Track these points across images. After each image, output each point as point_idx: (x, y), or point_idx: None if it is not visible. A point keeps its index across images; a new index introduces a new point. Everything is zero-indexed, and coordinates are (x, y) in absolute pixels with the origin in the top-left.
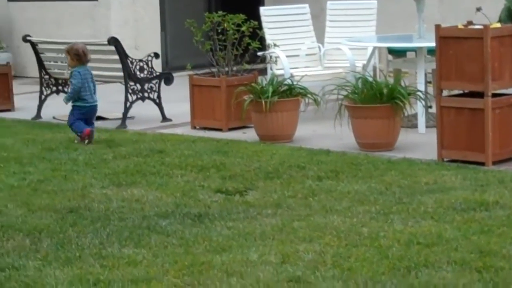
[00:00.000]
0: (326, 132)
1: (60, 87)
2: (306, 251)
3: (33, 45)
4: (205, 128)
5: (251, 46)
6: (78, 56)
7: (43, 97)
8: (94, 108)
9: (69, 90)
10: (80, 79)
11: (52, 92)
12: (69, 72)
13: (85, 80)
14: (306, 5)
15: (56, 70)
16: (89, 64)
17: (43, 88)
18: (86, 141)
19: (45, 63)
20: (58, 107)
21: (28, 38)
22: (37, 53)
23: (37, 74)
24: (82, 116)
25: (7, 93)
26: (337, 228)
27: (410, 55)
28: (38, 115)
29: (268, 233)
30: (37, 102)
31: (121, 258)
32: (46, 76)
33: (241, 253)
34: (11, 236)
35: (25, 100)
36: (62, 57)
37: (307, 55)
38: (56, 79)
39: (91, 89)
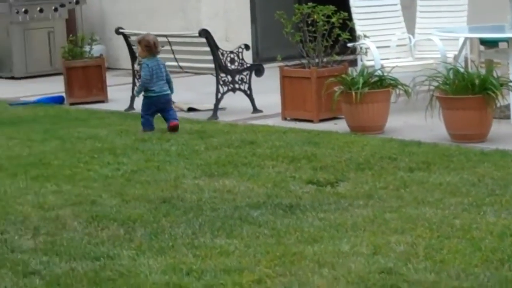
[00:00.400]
0: (417, 123)
1: None
2: (398, 242)
3: (125, 37)
4: (295, 119)
5: (341, 37)
6: (148, 47)
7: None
8: (163, 97)
9: (139, 82)
10: (148, 71)
11: None
12: (139, 63)
13: (154, 72)
14: None
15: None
16: (181, 56)
17: (136, 80)
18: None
19: (137, 55)
20: None
21: (121, 30)
22: (129, 45)
23: (129, 65)
24: (154, 107)
25: (101, 85)
26: (429, 219)
27: (502, 45)
28: (131, 106)
29: (359, 224)
30: (130, 94)
31: (213, 248)
32: (138, 68)
33: (332, 244)
34: (106, 225)
35: (118, 91)
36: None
37: (397, 46)
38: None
39: (161, 80)
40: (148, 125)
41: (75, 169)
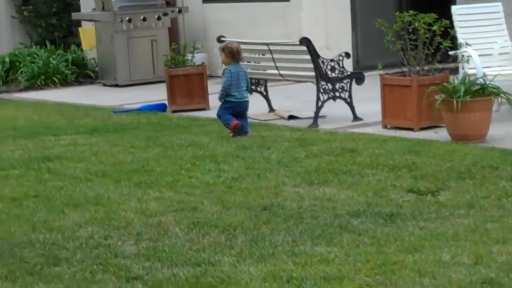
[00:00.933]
0: None
1: (253, 87)
2: (500, 252)
3: None
4: (396, 128)
5: (443, 45)
6: (232, 54)
7: None
8: (242, 104)
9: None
10: (230, 77)
11: None
12: (222, 69)
13: (235, 78)
14: (499, 4)
15: (249, 70)
16: (282, 64)
17: None
18: (231, 134)
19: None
20: (251, 106)
21: (222, 39)
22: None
23: None
24: (231, 111)
25: (202, 93)
26: None
27: None
28: None
29: (460, 234)
30: None
31: (313, 256)
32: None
33: (433, 254)
34: (207, 232)
35: None
36: (255, 57)
37: (499, 54)
38: (249, 79)
39: (241, 86)
40: (227, 120)
41: (177, 176)
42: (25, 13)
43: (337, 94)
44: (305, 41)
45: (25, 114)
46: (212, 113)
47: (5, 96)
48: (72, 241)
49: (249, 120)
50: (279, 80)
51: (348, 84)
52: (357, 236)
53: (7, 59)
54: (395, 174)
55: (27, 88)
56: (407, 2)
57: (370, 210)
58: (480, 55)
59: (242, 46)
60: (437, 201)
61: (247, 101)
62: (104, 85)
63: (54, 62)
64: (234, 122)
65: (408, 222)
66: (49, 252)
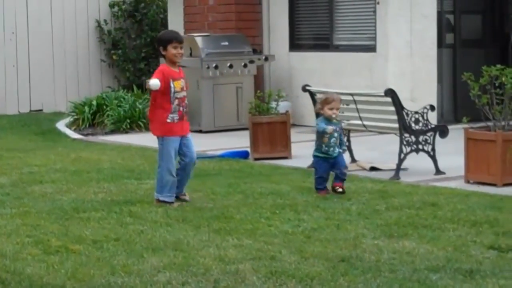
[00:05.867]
0: None
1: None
2: None
3: (312, 94)
4: (479, 183)
5: None
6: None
7: None
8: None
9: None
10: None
11: None
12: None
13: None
14: None
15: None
16: (365, 115)
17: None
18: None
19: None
20: None
21: (307, 87)
22: (315, 103)
23: (314, 123)
24: (325, 168)
25: (285, 141)
26: None
27: None
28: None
29: None
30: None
31: None
32: None
33: None
34: (284, 282)
35: (302, 148)
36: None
37: None
38: None
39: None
40: (320, 185)
41: (257, 224)
42: (114, 57)
43: (420, 146)
44: (390, 93)
45: (109, 157)
46: (294, 162)
47: (91, 138)
48: (150, 286)
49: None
50: (362, 131)
51: (431, 137)
52: None
53: (94, 102)
54: (476, 230)
55: (112, 132)
56: (495, 55)
57: (449, 265)
58: None
59: None
60: None
61: (335, 157)
62: None
63: (140, 106)
64: (322, 192)
65: (487, 279)
66: None
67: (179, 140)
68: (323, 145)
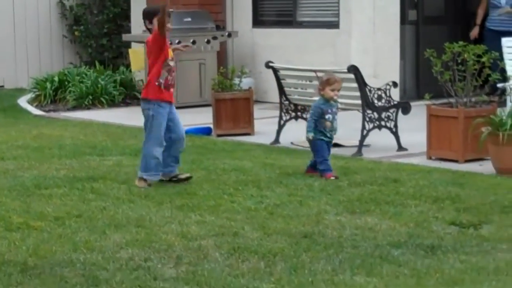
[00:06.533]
0: None
1: (299, 113)
2: None
3: (275, 71)
4: (441, 159)
5: (491, 78)
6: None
7: (282, 122)
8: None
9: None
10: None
11: (291, 118)
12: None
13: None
14: None
15: (296, 96)
16: None
17: (283, 114)
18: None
19: (285, 89)
20: (296, 133)
21: (271, 64)
22: (278, 79)
23: (277, 99)
24: (328, 150)
25: (248, 118)
26: None
27: None
28: (276, 140)
29: (502, 269)
30: (276, 127)
31: (352, 285)
32: (286, 102)
33: (473, 287)
34: (247, 258)
35: (265, 125)
36: (302, 84)
37: None
38: (295, 105)
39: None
40: (327, 169)
41: (219, 200)
42: (76, 33)
43: (383, 123)
44: (353, 69)
45: (71, 134)
46: (257, 138)
47: (52, 115)
48: (112, 263)
49: (293, 146)
50: None
51: (394, 114)
52: (397, 267)
53: (56, 78)
54: (438, 206)
55: (74, 108)
56: (460, 32)
57: (411, 241)
58: None
59: (289, 72)
60: (479, 234)
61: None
62: None
63: (102, 82)
64: (328, 174)
65: (449, 255)
66: (89, 272)
67: (167, 110)
68: (326, 130)
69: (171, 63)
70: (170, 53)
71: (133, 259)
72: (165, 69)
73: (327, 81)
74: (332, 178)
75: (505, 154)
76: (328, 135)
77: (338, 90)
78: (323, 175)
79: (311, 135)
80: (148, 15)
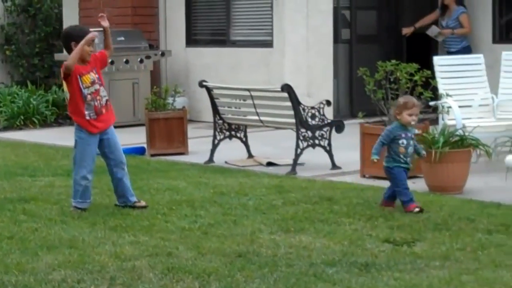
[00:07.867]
0: (497, 184)
1: (233, 132)
2: None
3: (209, 90)
4: (374, 177)
5: (424, 96)
6: None
7: (216, 141)
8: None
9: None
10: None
11: (225, 137)
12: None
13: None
14: (481, 55)
15: (229, 116)
16: (262, 110)
17: (217, 133)
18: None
19: (219, 108)
20: (230, 152)
21: (204, 83)
22: (212, 98)
23: (211, 118)
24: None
25: (182, 137)
26: (506, 283)
27: None
28: (210, 159)
29: (435, 286)
30: (210, 147)
31: None
32: (220, 121)
33: None
34: (181, 278)
35: (198, 144)
36: (236, 103)
37: (480, 105)
38: (229, 124)
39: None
40: (413, 200)
41: (153, 220)
42: (7, 52)
43: (317, 141)
44: (287, 88)
45: (2, 154)
46: (191, 158)
47: None
48: (45, 284)
49: (227, 166)
50: (259, 126)
51: (327, 132)
52: (332, 286)
53: None
54: (371, 224)
55: (5, 128)
56: (389, 51)
57: (345, 259)
58: (460, 106)
59: (223, 91)
60: (413, 252)
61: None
62: None
63: (34, 102)
64: (412, 205)
65: (383, 273)
66: None
67: (97, 139)
68: (401, 155)
69: (91, 89)
70: (87, 79)
71: (66, 281)
72: (86, 101)
73: (404, 105)
74: (417, 210)
75: (437, 172)
76: (403, 161)
77: (416, 115)
78: (406, 207)
79: (375, 158)
80: (70, 38)
